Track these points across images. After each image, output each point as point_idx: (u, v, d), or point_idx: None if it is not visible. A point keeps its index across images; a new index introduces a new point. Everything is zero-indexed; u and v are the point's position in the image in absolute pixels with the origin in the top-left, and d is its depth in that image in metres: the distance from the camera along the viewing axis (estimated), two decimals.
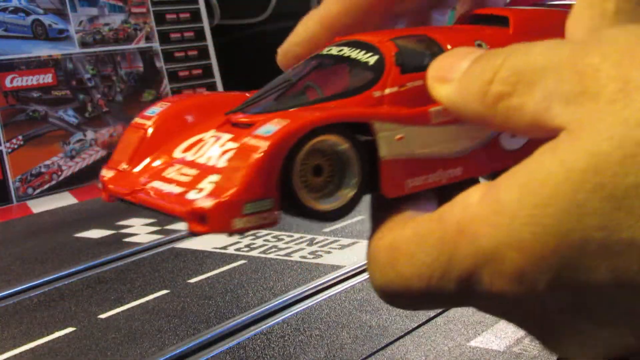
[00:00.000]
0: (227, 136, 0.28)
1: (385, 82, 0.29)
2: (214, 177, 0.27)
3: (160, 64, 0.89)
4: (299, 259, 0.52)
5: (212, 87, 0.94)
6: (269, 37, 1.35)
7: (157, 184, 0.28)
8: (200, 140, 0.29)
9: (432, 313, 0.42)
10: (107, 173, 0.30)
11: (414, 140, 0.29)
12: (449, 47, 0.30)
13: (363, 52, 0.30)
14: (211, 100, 0.32)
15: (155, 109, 0.30)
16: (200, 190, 0.26)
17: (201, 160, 0.28)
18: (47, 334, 0.42)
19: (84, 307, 0.46)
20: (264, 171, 0.25)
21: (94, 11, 0.84)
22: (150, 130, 0.31)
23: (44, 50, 0.79)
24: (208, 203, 0.25)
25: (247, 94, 0.31)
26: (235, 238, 0.57)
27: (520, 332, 0.39)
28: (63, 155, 0.78)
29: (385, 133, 0.28)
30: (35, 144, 0.76)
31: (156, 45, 0.89)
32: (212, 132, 0.29)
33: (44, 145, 0.77)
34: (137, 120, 0.30)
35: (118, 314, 0.44)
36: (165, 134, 0.31)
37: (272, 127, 0.26)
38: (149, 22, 0.89)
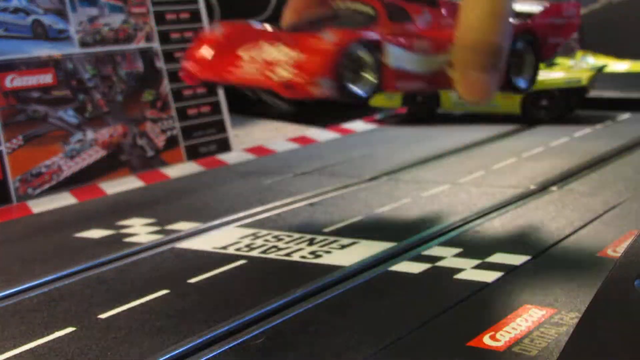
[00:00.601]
0: (280, 44, 0.53)
1: (382, 25, 0.54)
2: (286, 66, 0.51)
3: (160, 64, 0.89)
4: (299, 259, 0.52)
5: (212, 86, 0.94)
6: None
7: (238, 71, 0.54)
8: (256, 46, 0.55)
9: (432, 313, 0.42)
10: (189, 65, 0.56)
11: (403, 58, 0.53)
12: (409, 9, 0.57)
13: (362, 6, 0.56)
14: (254, 27, 0.58)
15: (221, 28, 0.57)
16: (277, 73, 0.51)
17: (266, 57, 0.53)
18: (47, 334, 0.42)
19: (84, 307, 0.46)
20: (330, 60, 0.49)
21: (94, 11, 0.84)
22: (218, 39, 0.56)
23: (44, 50, 0.79)
24: (296, 78, 0.49)
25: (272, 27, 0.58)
26: (235, 238, 0.57)
27: (520, 332, 0.39)
28: (63, 155, 0.78)
29: (389, 50, 0.51)
30: (35, 144, 0.76)
31: (156, 45, 0.89)
32: (263, 42, 0.55)
33: (44, 145, 0.77)
34: (205, 33, 0.57)
35: (118, 313, 0.44)
36: (226, 43, 0.56)
37: (332, 36, 0.50)
38: (149, 22, 0.89)
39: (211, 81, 0.56)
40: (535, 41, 0.59)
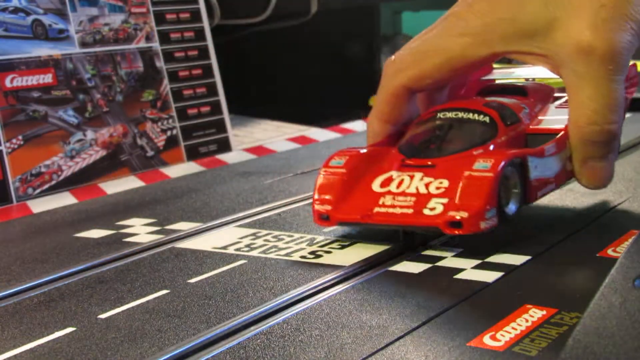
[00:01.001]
0: (419, 174, 0.52)
1: (501, 133, 0.54)
2: (440, 200, 0.50)
3: (160, 64, 0.89)
4: (299, 259, 0.52)
5: (212, 87, 0.94)
6: (269, 37, 1.35)
7: (383, 209, 0.52)
8: (390, 179, 0.53)
9: (432, 313, 0.42)
10: (323, 207, 0.54)
11: (540, 166, 0.53)
12: (513, 108, 0.57)
13: (475, 114, 0.55)
14: (368, 153, 0.56)
15: (340, 160, 0.55)
16: (433, 209, 0.50)
17: (410, 190, 0.51)
18: (47, 334, 0.42)
19: (84, 307, 0.46)
20: (493, 190, 0.48)
21: (94, 11, 0.84)
22: (344, 174, 0.54)
23: (44, 50, 0.79)
24: (463, 214, 0.48)
25: (390, 149, 0.56)
26: (235, 238, 0.57)
27: (520, 332, 0.39)
28: (63, 155, 0.78)
29: (531, 163, 0.52)
30: (35, 144, 0.76)
31: (156, 45, 0.89)
32: (395, 172, 0.53)
33: (44, 145, 0.77)
34: (328, 169, 0.55)
35: (118, 313, 0.44)
36: (353, 176, 0.54)
37: (485, 164, 0.49)
38: (149, 22, 0.89)
39: (354, 222, 0.53)
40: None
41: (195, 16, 0.94)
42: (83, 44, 0.82)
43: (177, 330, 0.41)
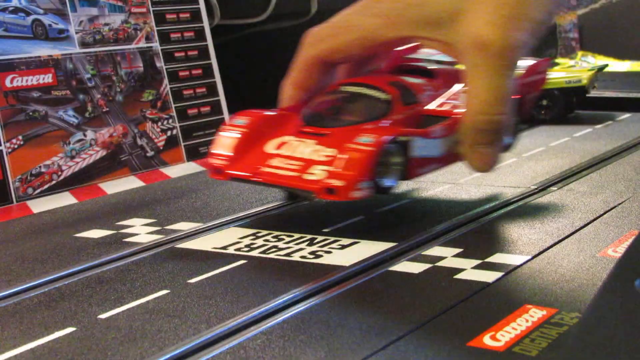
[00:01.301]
0: (311, 141, 0.56)
1: (396, 111, 0.58)
2: (322, 167, 0.53)
3: (160, 64, 0.89)
4: (299, 259, 0.52)
5: (212, 87, 0.94)
6: (269, 37, 1.35)
7: (270, 169, 0.55)
8: (284, 142, 0.57)
9: (432, 313, 0.42)
10: (217, 161, 0.58)
11: (424, 147, 0.56)
12: (415, 88, 0.61)
13: (375, 91, 0.58)
14: (270, 116, 0.60)
15: (243, 120, 0.59)
16: (313, 174, 0.53)
17: (298, 155, 0.55)
18: (47, 334, 0.42)
19: (84, 307, 0.46)
20: (370, 164, 0.52)
21: (94, 11, 0.84)
22: (245, 133, 0.58)
23: (44, 50, 0.79)
24: (338, 183, 0.52)
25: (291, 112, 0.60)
26: (235, 239, 0.57)
27: (521, 332, 0.39)
28: (63, 155, 0.78)
29: (414, 142, 0.55)
30: (35, 144, 0.76)
31: (156, 45, 0.89)
32: (291, 137, 0.57)
33: (44, 145, 0.77)
34: (229, 126, 0.57)
35: (118, 314, 0.44)
36: (252, 136, 0.58)
37: (369, 138, 0.52)
38: (149, 22, 0.89)
39: (242, 178, 0.56)
40: (519, 101, 0.62)
41: (195, 16, 0.94)
42: (83, 44, 0.82)
43: (177, 330, 0.41)
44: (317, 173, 0.53)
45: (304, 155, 0.55)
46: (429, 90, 0.61)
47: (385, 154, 0.53)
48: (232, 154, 0.57)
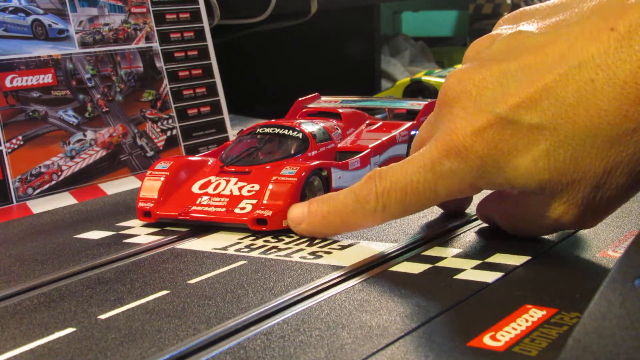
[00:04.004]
0: (234, 179, 0.60)
1: (312, 148, 0.64)
2: (250, 201, 0.58)
3: (160, 64, 0.89)
4: (299, 260, 0.52)
5: (212, 87, 0.94)
6: (269, 37, 1.35)
7: (199, 208, 0.59)
8: (209, 182, 0.61)
9: (432, 313, 0.42)
10: (146, 204, 0.62)
11: (343, 178, 0.62)
12: (326, 128, 0.68)
13: (289, 131, 0.64)
14: (192, 161, 0.64)
15: (165, 165, 0.63)
16: (243, 208, 0.58)
17: (225, 192, 0.59)
18: (47, 335, 0.42)
19: (84, 307, 0.46)
20: (296, 192, 0.57)
21: (94, 11, 0.84)
22: (168, 176, 0.62)
23: (44, 50, 0.79)
24: (268, 213, 0.56)
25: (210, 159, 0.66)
26: (235, 239, 0.57)
27: (521, 332, 0.39)
28: (63, 155, 0.78)
29: (334, 174, 0.61)
30: (35, 144, 0.76)
31: (156, 45, 0.89)
32: (214, 177, 0.61)
33: (44, 145, 0.77)
34: (154, 171, 0.63)
35: (118, 314, 0.44)
36: (175, 179, 0.62)
37: (291, 170, 0.58)
38: (149, 22, 0.89)
39: (171, 218, 0.60)
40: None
41: (195, 16, 0.94)
42: (83, 44, 0.82)
43: (177, 330, 0.41)
44: (246, 207, 0.58)
45: (230, 192, 0.59)
46: (338, 129, 0.68)
47: (308, 185, 0.58)
48: (158, 197, 0.61)
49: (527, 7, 0.51)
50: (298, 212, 0.56)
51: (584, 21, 0.45)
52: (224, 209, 0.58)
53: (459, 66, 0.52)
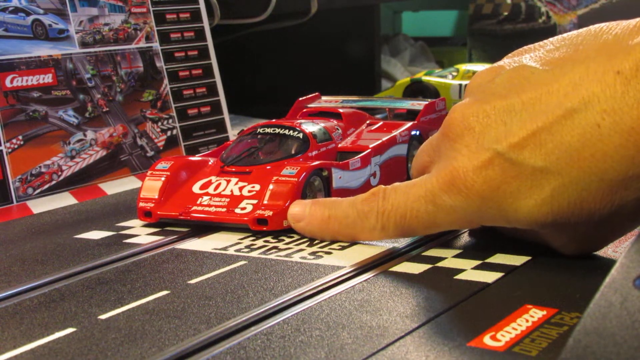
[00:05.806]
0: (234, 179, 0.60)
1: (312, 148, 0.63)
2: (250, 201, 0.58)
3: (160, 64, 0.89)
4: (299, 260, 0.52)
5: (212, 87, 0.94)
6: (269, 37, 1.35)
7: (200, 208, 0.60)
8: (210, 182, 0.61)
9: (432, 313, 0.42)
10: (146, 204, 0.62)
11: (344, 178, 0.61)
12: (327, 128, 0.67)
13: (290, 131, 0.64)
14: (192, 161, 0.64)
15: (165, 165, 0.63)
16: (244, 208, 0.58)
17: (226, 192, 0.59)
18: (47, 335, 0.42)
19: (84, 307, 0.46)
20: (297, 192, 0.57)
21: (94, 11, 0.84)
22: (168, 176, 0.62)
23: (44, 50, 0.79)
24: (268, 213, 0.56)
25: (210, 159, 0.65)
26: (235, 239, 0.57)
27: (521, 332, 0.39)
28: (63, 155, 0.78)
29: (335, 174, 0.61)
30: (35, 144, 0.76)
31: (156, 45, 0.89)
32: (214, 177, 0.61)
33: (44, 145, 0.77)
34: (154, 171, 0.63)
35: (118, 314, 0.44)
36: (176, 179, 0.62)
37: (292, 170, 0.57)
38: (149, 22, 0.89)
39: (172, 218, 0.60)
40: (420, 136, 0.71)
41: (195, 16, 0.94)
42: (83, 44, 0.82)
43: (177, 330, 0.41)
44: (247, 207, 0.57)
45: (231, 193, 0.59)
46: (338, 129, 0.68)
47: (309, 185, 0.58)
48: (158, 197, 0.61)
49: (531, 45, 0.50)
50: (299, 210, 0.56)
51: (589, 61, 0.44)
52: (224, 209, 0.58)
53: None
